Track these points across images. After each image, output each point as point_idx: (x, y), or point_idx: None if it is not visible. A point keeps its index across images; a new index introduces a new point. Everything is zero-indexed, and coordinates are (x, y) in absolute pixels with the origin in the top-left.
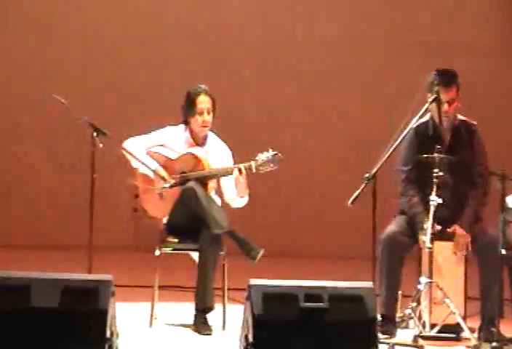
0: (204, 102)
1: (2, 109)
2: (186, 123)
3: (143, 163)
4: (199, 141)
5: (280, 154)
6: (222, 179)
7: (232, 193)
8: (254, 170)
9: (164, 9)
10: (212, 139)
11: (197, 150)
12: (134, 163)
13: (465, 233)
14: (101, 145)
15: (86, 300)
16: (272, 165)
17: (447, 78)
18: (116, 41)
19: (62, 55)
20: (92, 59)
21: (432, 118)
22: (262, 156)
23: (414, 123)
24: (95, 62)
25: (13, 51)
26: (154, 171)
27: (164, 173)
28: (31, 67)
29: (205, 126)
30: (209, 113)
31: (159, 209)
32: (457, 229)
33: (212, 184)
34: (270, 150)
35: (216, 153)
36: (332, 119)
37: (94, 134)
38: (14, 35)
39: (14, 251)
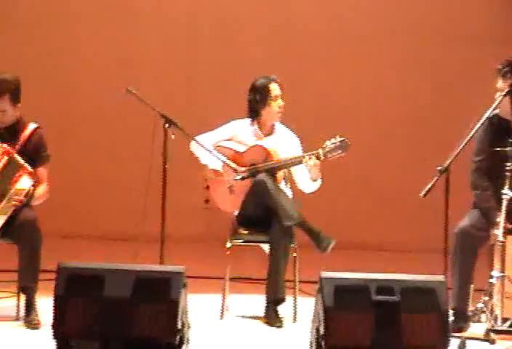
0: (276, 89)
1: (73, 100)
2: (255, 115)
3: (215, 156)
4: (267, 132)
5: (348, 140)
6: (293, 168)
7: (305, 179)
8: (322, 157)
9: (239, 5)
10: (280, 128)
11: (265, 142)
12: (204, 160)
13: None
14: (173, 136)
15: (158, 291)
16: (340, 151)
17: None
18: (192, 34)
19: (139, 48)
20: (168, 53)
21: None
22: (330, 143)
23: (488, 114)
24: (171, 55)
25: (89, 43)
26: (224, 164)
27: (234, 165)
28: (108, 60)
29: (280, 112)
30: (281, 99)
31: (229, 204)
32: None
33: (281, 174)
34: (338, 137)
35: (284, 143)
36: (398, 107)
37: (166, 125)
38: (89, 27)
39: (89, 243)
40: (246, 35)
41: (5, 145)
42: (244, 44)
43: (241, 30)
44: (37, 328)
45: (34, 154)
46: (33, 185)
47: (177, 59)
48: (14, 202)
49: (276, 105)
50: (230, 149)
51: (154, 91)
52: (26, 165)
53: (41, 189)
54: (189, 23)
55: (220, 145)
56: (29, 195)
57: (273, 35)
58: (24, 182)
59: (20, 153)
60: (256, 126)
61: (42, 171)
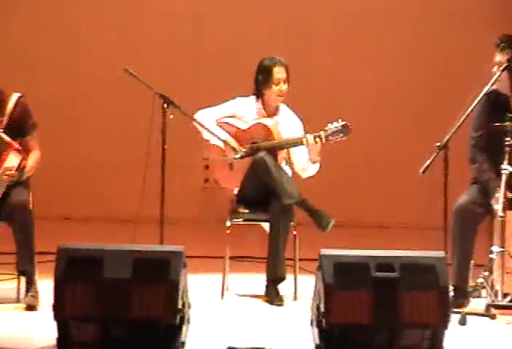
0: (280, 72)
1: (72, 81)
2: (259, 95)
3: (214, 134)
4: (271, 112)
5: (350, 124)
6: (293, 149)
7: (303, 162)
8: (323, 140)
9: None
10: (284, 110)
11: (268, 121)
12: (206, 135)
13: None
14: (171, 116)
15: (158, 271)
16: (341, 135)
17: None
18: (197, 14)
19: (143, 29)
20: (173, 32)
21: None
22: (332, 126)
23: (486, 89)
24: (176, 35)
25: (94, 23)
26: (225, 142)
27: (234, 143)
28: (111, 41)
29: (281, 96)
30: (284, 83)
31: (230, 180)
32: None
33: (281, 154)
34: (340, 120)
35: (287, 124)
36: (402, 89)
37: (165, 105)
38: (95, 7)
39: (87, 224)
40: (251, 15)
41: None
42: (250, 24)
43: (246, 7)
44: (35, 309)
45: (21, 124)
46: (21, 161)
47: (183, 39)
48: (6, 179)
49: (278, 89)
50: (233, 126)
51: (159, 72)
52: (12, 142)
53: (32, 159)
54: (194, 3)
55: (223, 121)
56: (19, 169)
57: (279, 15)
58: (12, 160)
59: (7, 126)
60: (260, 105)
61: (31, 139)
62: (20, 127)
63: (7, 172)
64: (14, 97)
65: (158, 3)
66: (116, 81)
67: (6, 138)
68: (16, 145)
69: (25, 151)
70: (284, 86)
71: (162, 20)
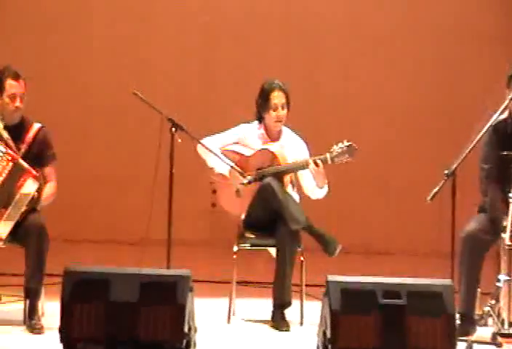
0: (278, 97)
1: (82, 102)
2: (260, 118)
3: (221, 159)
4: (274, 136)
5: (355, 145)
6: (300, 172)
7: (311, 185)
8: (329, 162)
9: (255, 3)
10: (287, 133)
11: (272, 146)
12: (210, 163)
13: None
14: (179, 140)
15: (165, 295)
16: (347, 156)
17: None
18: (207, 33)
19: (153, 48)
20: (183, 52)
21: (511, 115)
22: (337, 148)
23: (493, 120)
24: (186, 54)
25: (104, 44)
26: (231, 168)
27: (240, 170)
28: (121, 61)
29: (279, 121)
30: (283, 108)
31: (236, 207)
32: None
33: (287, 178)
34: (345, 141)
35: (291, 147)
36: (410, 111)
37: (173, 129)
38: (103, 26)
39: (94, 247)
40: (261, 33)
41: (10, 152)
42: (260, 43)
43: (257, 29)
44: (41, 332)
45: (40, 154)
46: (38, 189)
47: (193, 59)
48: (22, 207)
49: (275, 114)
50: (237, 153)
51: (169, 91)
52: (30, 169)
53: (49, 188)
54: (204, 22)
55: (227, 148)
56: (35, 199)
57: (289, 34)
58: (29, 187)
59: (26, 154)
60: (263, 130)
61: (49, 170)
62: (38, 157)
63: (20, 203)
64: (35, 127)
65: (171, 24)
66: (124, 103)
67: (25, 165)
68: (34, 172)
69: (42, 180)
70: (281, 112)
71: (173, 40)
